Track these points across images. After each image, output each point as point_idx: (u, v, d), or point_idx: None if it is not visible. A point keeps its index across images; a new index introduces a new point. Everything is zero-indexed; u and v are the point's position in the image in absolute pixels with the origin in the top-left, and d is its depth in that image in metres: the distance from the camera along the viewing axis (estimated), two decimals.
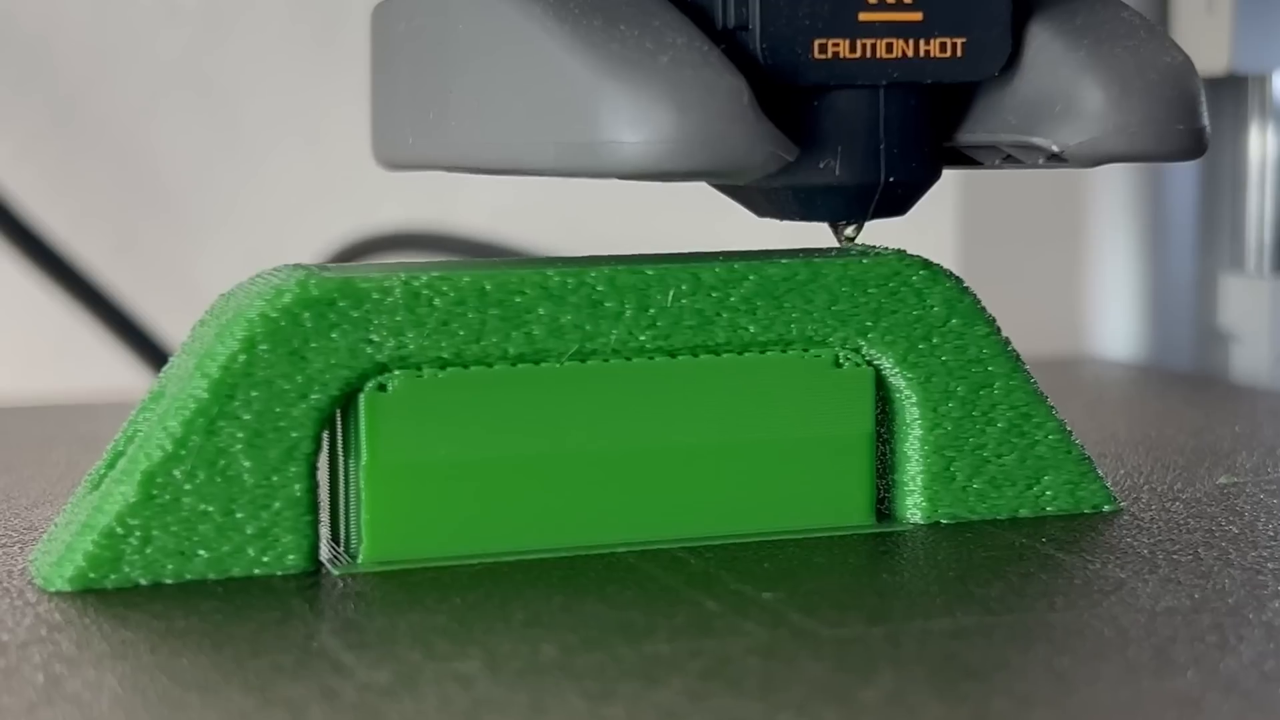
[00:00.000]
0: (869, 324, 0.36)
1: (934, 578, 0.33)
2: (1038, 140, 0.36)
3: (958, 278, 0.37)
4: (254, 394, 0.33)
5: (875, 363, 0.36)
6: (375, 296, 0.33)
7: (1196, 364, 0.64)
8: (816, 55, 0.35)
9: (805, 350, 0.36)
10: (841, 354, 0.36)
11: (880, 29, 0.35)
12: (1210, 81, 0.64)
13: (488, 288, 0.34)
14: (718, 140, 0.33)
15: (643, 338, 0.35)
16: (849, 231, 0.37)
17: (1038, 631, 0.30)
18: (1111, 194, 0.67)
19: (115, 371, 0.65)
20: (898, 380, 0.36)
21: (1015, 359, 0.37)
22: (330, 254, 0.68)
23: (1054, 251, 0.68)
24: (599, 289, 0.34)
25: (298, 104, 0.68)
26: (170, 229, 0.68)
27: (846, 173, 0.36)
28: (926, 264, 0.36)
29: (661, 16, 0.34)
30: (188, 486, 0.33)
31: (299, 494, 0.33)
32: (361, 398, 0.33)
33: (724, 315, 0.35)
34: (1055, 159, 0.36)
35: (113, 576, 0.32)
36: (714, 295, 0.35)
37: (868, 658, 0.29)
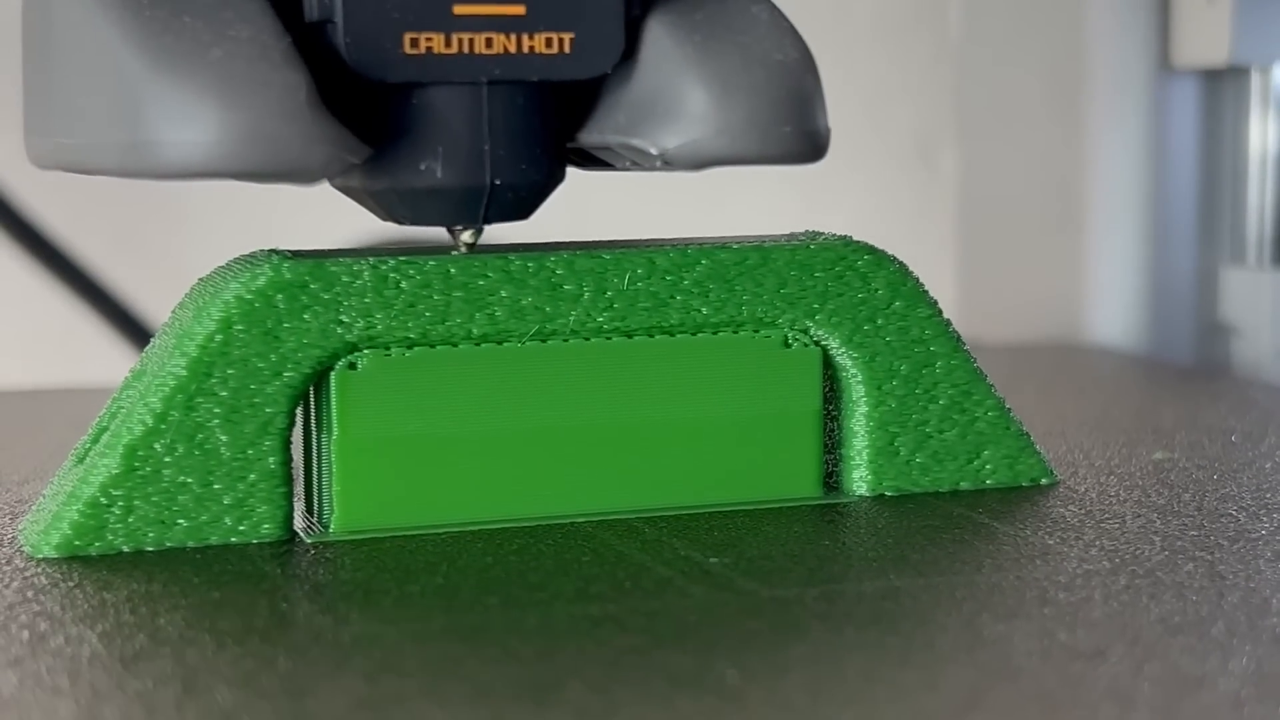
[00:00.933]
0: (816, 306, 0.38)
1: (873, 544, 0.35)
2: (637, 142, 0.34)
3: (901, 262, 0.38)
4: (230, 372, 0.35)
5: (822, 343, 0.38)
6: (345, 279, 0.35)
7: (1197, 356, 0.65)
8: (408, 50, 0.33)
9: (756, 331, 0.38)
10: (790, 335, 0.38)
11: (478, 23, 0.34)
12: (1210, 73, 0.64)
13: (452, 271, 0.36)
14: (269, 140, 0.31)
15: (600, 319, 0.37)
16: (466, 237, 0.36)
17: (963, 592, 0.32)
18: (1112, 185, 0.67)
19: (114, 364, 0.67)
20: (844, 360, 0.38)
21: (956, 339, 0.39)
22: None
23: (1055, 243, 0.68)
24: (558, 272, 0.36)
25: None
26: (169, 224, 0.69)
27: (449, 175, 0.34)
28: (871, 249, 0.38)
29: (237, 7, 0.32)
30: (168, 459, 0.35)
31: (274, 467, 0.35)
32: (333, 376, 0.35)
33: (678, 298, 0.37)
34: (666, 163, 0.34)
35: (97, 544, 0.34)
36: (668, 279, 0.37)
37: (802, 616, 0.31)
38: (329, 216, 0.70)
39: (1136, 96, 0.66)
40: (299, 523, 0.36)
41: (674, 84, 0.34)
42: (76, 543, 0.34)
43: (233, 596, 0.32)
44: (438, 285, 0.36)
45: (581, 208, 0.67)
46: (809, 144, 0.35)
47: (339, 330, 0.35)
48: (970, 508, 0.37)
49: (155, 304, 0.68)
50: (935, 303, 0.39)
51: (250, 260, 0.36)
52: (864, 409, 0.38)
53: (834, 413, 0.39)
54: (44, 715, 0.26)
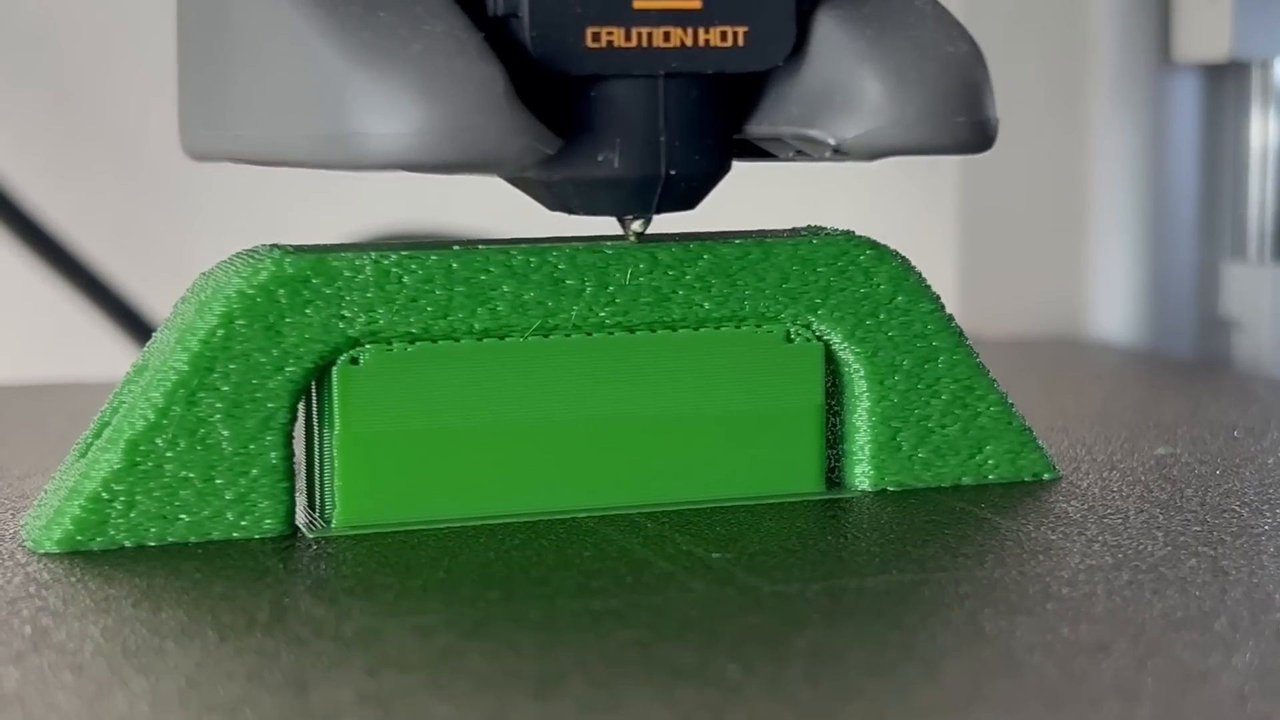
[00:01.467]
0: (819, 301, 0.38)
1: (875, 540, 0.35)
2: (814, 133, 0.35)
3: (904, 257, 0.38)
4: (232, 366, 0.35)
5: (825, 338, 0.38)
6: (347, 274, 0.35)
7: (1198, 351, 0.65)
8: (590, 44, 0.34)
9: (758, 326, 0.37)
10: (792, 330, 0.38)
11: (657, 17, 0.34)
12: (1211, 68, 0.64)
13: (454, 266, 0.36)
14: (468, 132, 0.32)
15: (602, 314, 0.37)
16: (635, 226, 0.37)
17: (965, 588, 0.32)
18: (1113, 180, 0.67)
19: (113, 358, 0.67)
20: (846, 355, 0.38)
21: (959, 334, 0.39)
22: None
23: (1056, 237, 0.68)
24: (560, 267, 0.36)
25: None
26: (168, 218, 0.69)
27: (625, 166, 0.35)
28: (874, 244, 0.38)
29: (425, 3, 0.33)
30: (169, 454, 0.35)
31: (275, 462, 0.35)
32: (335, 370, 0.35)
33: (680, 293, 0.37)
34: (838, 153, 0.35)
35: (98, 539, 0.34)
36: (670, 274, 0.37)
37: (804, 611, 0.31)
38: (330, 209, 0.70)
39: (1137, 91, 0.65)
40: (301, 518, 0.36)
41: (849, 76, 0.35)
42: (78, 538, 0.34)
43: (235, 591, 0.32)
44: (440, 280, 0.36)
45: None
46: (980, 134, 0.35)
47: (341, 325, 0.35)
48: (972, 503, 0.37)
49: (155, 298, 0.68)
50: (938, 298, 0.38)
51: (252, 255, 0.36)
52: (866, 404, 0.38)
53: (836, 408, 0.39)
54: (47, 711, 0.26)
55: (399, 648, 0.29)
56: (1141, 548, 0.34)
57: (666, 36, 0.35)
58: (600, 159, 0.35)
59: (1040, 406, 0.48)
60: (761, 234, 0.38)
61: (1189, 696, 0.26)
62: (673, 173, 0.35)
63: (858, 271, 0.38)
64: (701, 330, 0.37)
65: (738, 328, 0.37)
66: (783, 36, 0.35)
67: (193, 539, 0.35)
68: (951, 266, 0.67)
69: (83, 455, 0.36)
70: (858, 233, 0.38)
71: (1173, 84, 0.65)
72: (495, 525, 0.36)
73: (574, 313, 0.36)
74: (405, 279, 0.35)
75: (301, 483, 0.37)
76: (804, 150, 0.36)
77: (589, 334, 0.37)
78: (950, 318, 0.39)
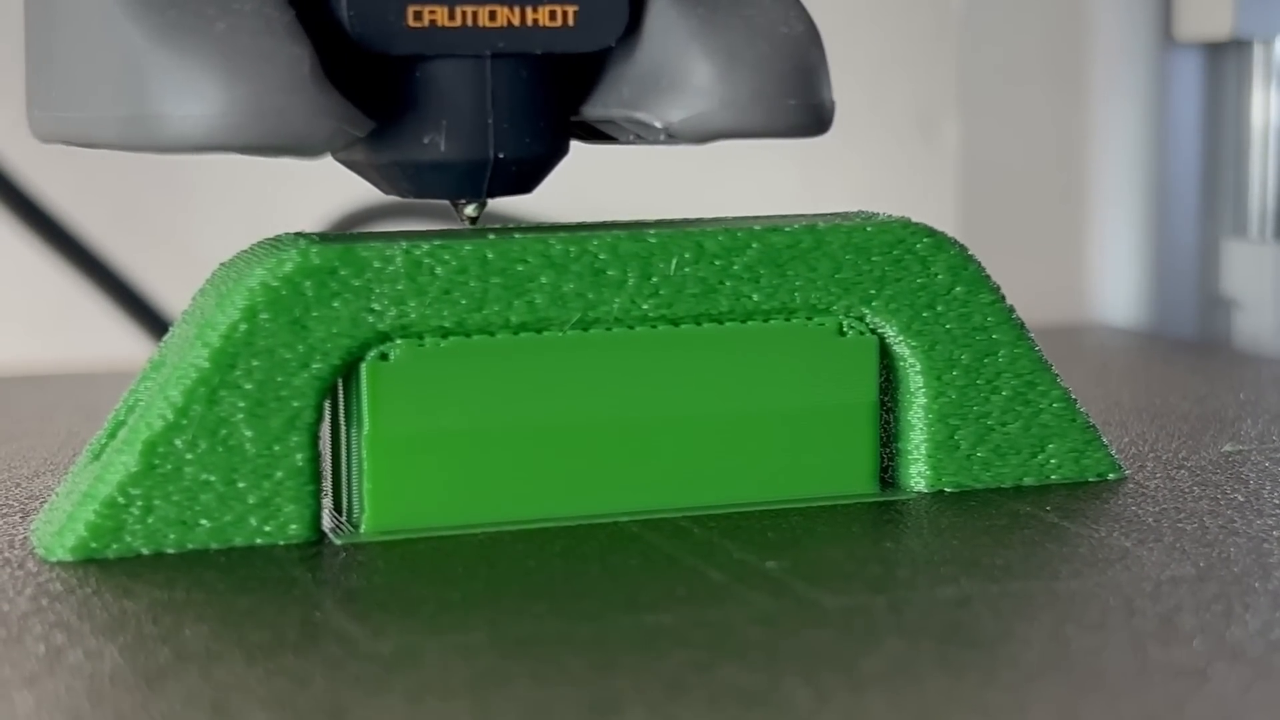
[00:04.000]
0: (873, 292, 0.36)
1: (938, 546, 0.33)
2: (641, 116, 0.34)
3: (962, 245, 0.36)
4: (255, 363, 0.33)
5: (879, 331, 0.36)
6: (377, 265, 0.33)
7: (1200, 331, 0.64)
8: (411, 23, 0.33)
9: (809, 318, 0.35)
10: (845, 322, 0.36)
11: None
12: (1213, 46, 0.63)
13: (490, 256, 0.34)
14: (273, 113, 0.31)
15: (645, 306, 0.35)
16: (469, 210, 0.36)
17: (1043, 600, 0.30)
18: (1114, 160, 0.66)
19: (115, 340, 0.65)
20: (902, 348, 0.36)
21: (1020, 327, 0.37)
22: (331, 222, 0.67)
23: (1057, 218, 0.68)
24: (601, 257, 0.34)
25: None
26: (171, 198, 0.68)
27: (452, 148, 0.34)
28: (931, 232, 0.36)
29: None
30: (189, 456, 0.33)
31: (301, 463, 0.33)
32: (363, 367, 0.33)
33: (727, 283, 0.35)
34: (671, 137, 0.34)
35: (114, 546, 0.32)
36: (717, 263, 0.35)
37: (872, 627, 0.29)
38: (329, 187, 0.68)
39: (1139, 70, 0.65)
40: (327, 523, 0.34)
41: (679, 57, 0.34)
42: (93, 545, 0.32)
43: (261, 605, 0.30)
44: (474, 271, 0.34)
45: (581, 183, 0.65)
46: (813, 117, 0.34)
47: (370, 319, 0.33)
48: (1036, 505, 0.35)
49: (159, 280, 0.66)
50: (998, 288, 0.36)
51: (276, 244, 0.34)
52: (923, 400, 0.36)
53: (890, 404, 0.37)
54: None
55: (441, 670, 0.27)
56: (1224, 555, 0.32)
57: (492, 15, 0.34)
58: (426, 141, 0.34)
59: (1084, 399, 0.46)
60: (812, 219, 0.36)
61: None
62: (502, 156, 0.34)
63: (914, 260, 0.36)
64: (749, 323, 0.35)
65: (788, 320, 0.35)
66: (615, 16, 0.34)
67: (214, 546, 0.33)
68: None
69: (96, 457, 0.34)
70: (912, 219, 0.36)
71: (1174, 63, 0.64)
72: (532, 531, 0.34)
73: (615, 305, 0.34)
74: (438, 270, 0.33)
75: (328, 486, 0.35)
76: (639, 134, 0.35)
77: (631, 327, 0.35)
78: (1011, 309, 0.37)
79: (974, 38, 0.67)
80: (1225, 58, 0.64)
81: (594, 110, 0.35)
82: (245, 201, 0.68)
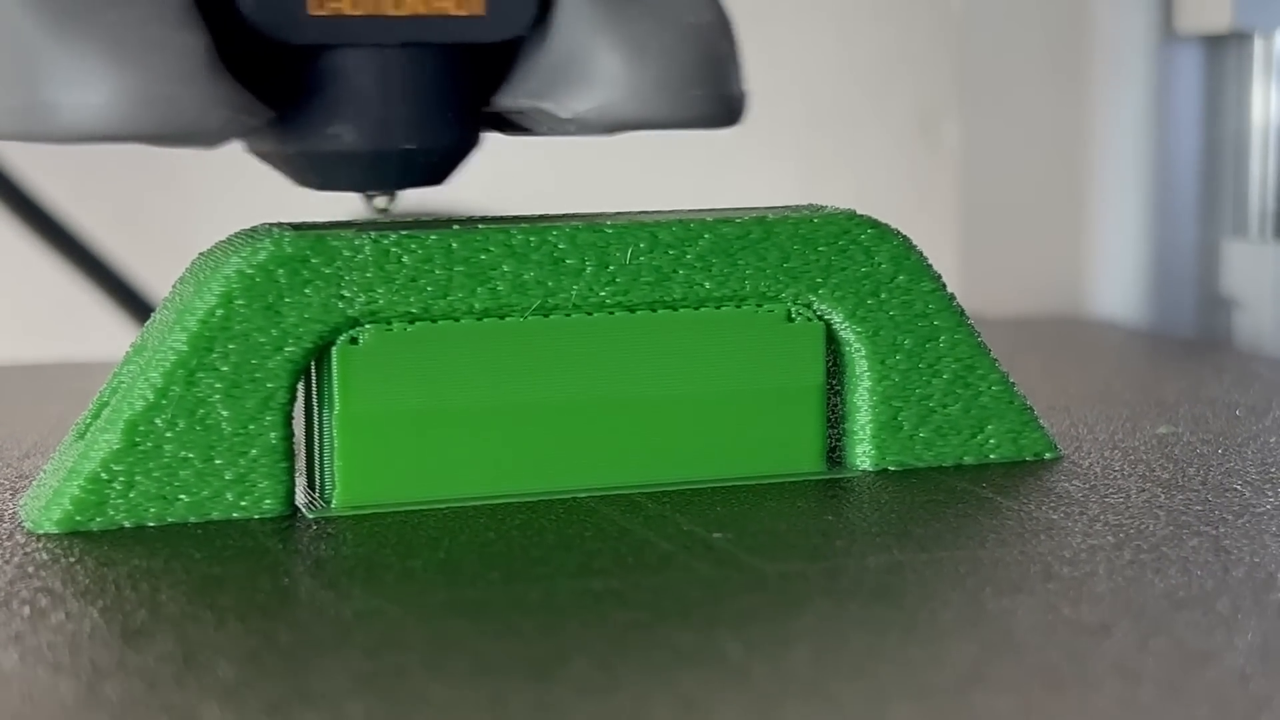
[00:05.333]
0: (819, 280, 0.37)
1: (876, 519, 0.35)
2: (547, 106, 0.34)
3: (905, 236, 0.38)
4: (231, 346, 0.35)
5: (826, 317, 0.38)
6: (346, 254, 0.35)
7: (1199, 329, 0.64)
8: (312, 11, 0.33)
9: (759, 306, 0.37)
10: (793, 309, 0.38)
11: None
12: (1213, 39, 0.63)
13: (454, 246, 0.36)
14: (165, 101, 0.31)
15: (603, 293, 0.36)
16: (379, 202, 0.36)
17: (967, 567, 0.32)
18: (1114, 156, 0.67)
19: (114, 338, 0.66)
20: (847, 334, 0.38)
21: (960, 314, 0.38)
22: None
23: (1056, 215, 0.68)
24: (560, 247, 0.36)
25: None
26: (170, 197, 0.69)
27: (358, 139, 0.34)
28: (875, 223, 0.38)
29: None
30: (169, 434, 0.34)
31: (275, 442, 0.35)
32: (334, 350, 0.35)
33: (680, 272, 0.37)
34: (579, 127, 0.34)
35: (98, 519, 0.34)
36: (671, 253, 0.37)
37: (805, 591, 0.30)
38: (333, 192, 0.69)
39: (1139, 63, 0.65)
40: (301, 498, 0.36)
41: (586, 47, 0.34)
42: (77, 518, 0.34)
43: (234, 572, 0.32)
44: (439, 259, 0.35)
45: (576, 178, 0.67)
46: (722, 107, 0.34)
47: (340, 305, 0.35)
48: (974, 482, 0.37)
49: (154, 276, 0.67)
50: (939, 277, 0.38)
51: (251, 234, 0.36)
52: (867, 383, 0.38)
53: (837, 387, 0.38)
54: (45, 691, 0.26)
55: (399, 629, 0.29)
56: (1143, 527, 0.34)
57: (398, 4, 0.33)
58: (331, 132, 0.34)
59: (1042, 386, 0.47)
60: (762, 212, 0.38)
61: (1191, 677, 0.26)
62: (410, 147, 0.34)
63: (859, 250, 0.38)
64: (702, 310, 0.37)
65: (738, 307, 0.37)
66: (523, 6, 0.34)
67: (192, 519, 0.35)
68: (952, 244, 0.66)
69: (81, 436, 0.36)
70: (858, 211, 0.38)
71: (1174, 55, 0.64)
72: (495, 505, 0.36)
73: (574, 292, 0.36)
74: (405, 258, 0.35)
75: (301, 463, 0.37)
76: (549, 125, 0.35)
77: (589, 314, 0.36)
78: (952, 297, 0.38)
79: (975, 35, 0.68)
80: (1225, 50, 0.63)
81: (504, 100, 0.35)
82: (243, 201, 0.69)
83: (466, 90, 0.35)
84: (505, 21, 0.34)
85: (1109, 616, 0.29)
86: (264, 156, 0.36)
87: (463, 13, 0.34)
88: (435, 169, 0.35)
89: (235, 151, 0.69)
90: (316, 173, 0.35)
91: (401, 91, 0.34)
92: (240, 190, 0.69)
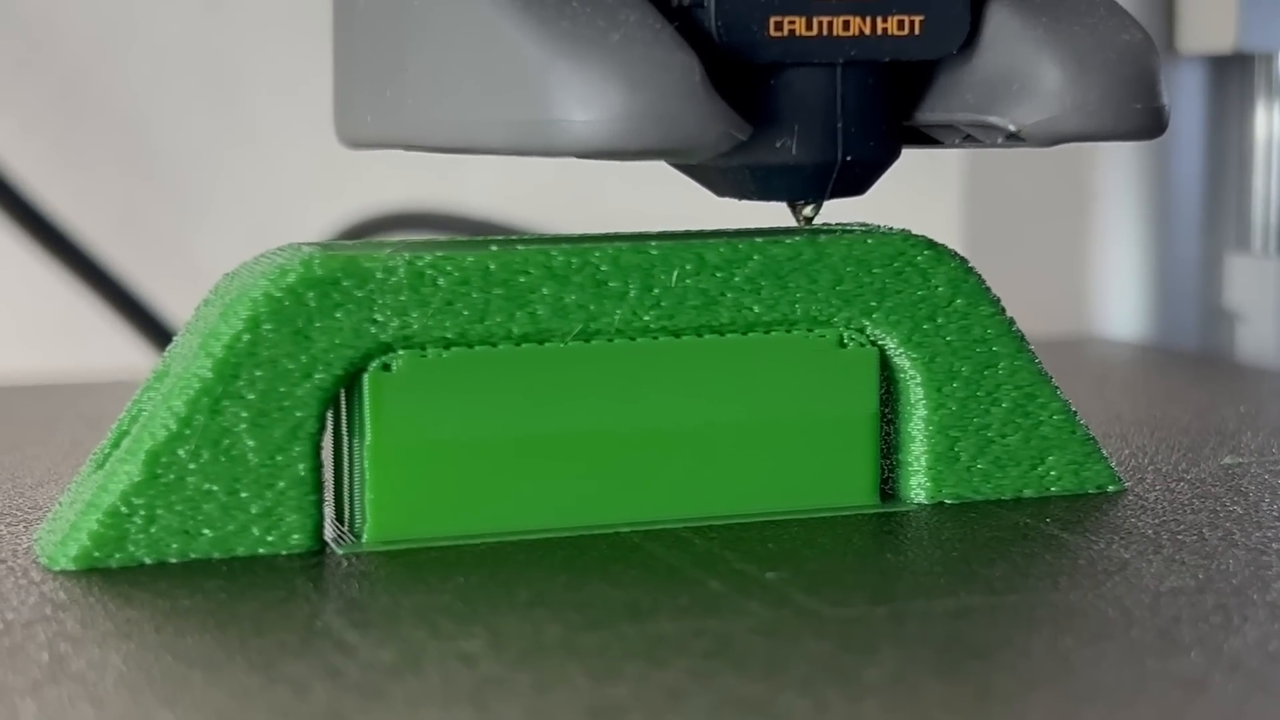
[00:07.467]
0: (874, 304, 0.36)
1: (938, 558, 0.33)
2: (994, 119, 0.35)
3: (962, 258, 0.37)
4: (258, 373, 0.33)
5: (880, 343, 0.36)
6: (379, 276, 0.33)
7: (1202, 344, 0.64)
8: (772, 33, 0.35)
9: (809, 330, 0.36)
10: (846, 334, 0.36)
11: (837, 6, 0.35)
12: (1216, 60, 0.63)
13: (492, 267, 0.34)
14: (669, 118, 0.32)
15: (647, 318, 0.35)
16: (807, 211, 0.37)
17: (1041, 612, 0.30)
18: (1117, 173, 0.66)
19: (117, 349, 0.65)
20: (902, 360, 0.36)
21: (1020, 339, 0.37)
22: (334, 233, 0.68)
23: (1059, 231, 0.68)
24: (603, 269, 0.34)
25: (301, 82, 0.67)
26: (173, 207, 0.68)
27: (803, 152, 0.35)
28: (931, 244, 0.36)
29: None
30: (192, 466, 0.33)
31: (303, 473, 0.33)
32: (366, 377, 0.33)
33: (728, 295, 0.35)
34: (1013, 138, 0.35)
35: (117, 555, 0.32)
36: (718, 275, 0.35)
37: (871, 638, 0.29)
38: (332, 198, 0.68)
39: None
40: (330, 532, 0.35)
41: (1028, 64, 0.35)
42: (96, 554, 0.32)
43: (263, 613, 0.30)
44: (476, 282, 0.34)
45: (588, 196, 0.65)
46: (1155, 120, 0.36)
47: (373, 330, 0.33)
48: (1036, 517, 0.35)
49: (163, 290, 0.66)
50: (998, 300, 0.37)
51: (278, 254, 0.34)
52: (923, 412, 0.36)
53: (891, 416, 0.37)
54: None
55: (441, 677, 0.27)
56: (1223, 568, 0.32)
57: (846, 25, 0.35)
58: (778, 145, 0.35)
59: (1086, 411, 0.46)
60: (813, 232, 0.36)
61: None
62: (848, 159, 0.36)
63: (915, 273, 0.36)
64: (750, 335, 0.35)
65: (788, 332, 0.36)
66: (958, 25, 0.36)
67: (216, 555, 0.33)
68: None
69: (100, 466, 0.34)
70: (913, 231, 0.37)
71: (1178, 76, 0.64)
72: (535, 541, 0.34)
73: (617, 316, 0.34)
74: (440, 281, 0.34)
75: (330, 496, 0.35)
76: (974, 136, 0.36)
77: (632, 339, 0.35)
78: (1011, 321, 0.37)
79: None
80: (1228, 71, 0.64)
81: (931, 114, 0.37)
82: (246, 211, 0.68)
83: (895, 105, 0.37)
84: (940, 40, 0.36)
85: (1200, 670, 0.27)
86: (692, 169, 0.37)
87: (902, 33, 0.35)
88: (862, 179, 0.37)
89: (237, 158, 0.68)
90: (756, 183, 0.36)
91: (844, 107, 0.36)
92: (246, 203, 0.68)
